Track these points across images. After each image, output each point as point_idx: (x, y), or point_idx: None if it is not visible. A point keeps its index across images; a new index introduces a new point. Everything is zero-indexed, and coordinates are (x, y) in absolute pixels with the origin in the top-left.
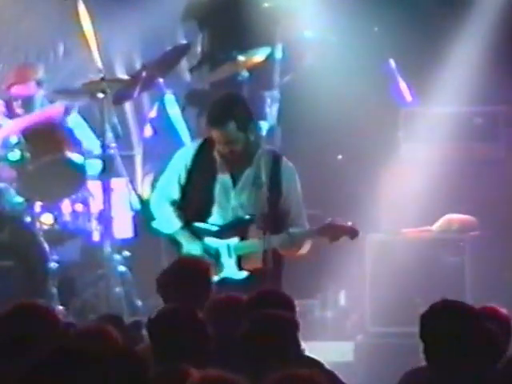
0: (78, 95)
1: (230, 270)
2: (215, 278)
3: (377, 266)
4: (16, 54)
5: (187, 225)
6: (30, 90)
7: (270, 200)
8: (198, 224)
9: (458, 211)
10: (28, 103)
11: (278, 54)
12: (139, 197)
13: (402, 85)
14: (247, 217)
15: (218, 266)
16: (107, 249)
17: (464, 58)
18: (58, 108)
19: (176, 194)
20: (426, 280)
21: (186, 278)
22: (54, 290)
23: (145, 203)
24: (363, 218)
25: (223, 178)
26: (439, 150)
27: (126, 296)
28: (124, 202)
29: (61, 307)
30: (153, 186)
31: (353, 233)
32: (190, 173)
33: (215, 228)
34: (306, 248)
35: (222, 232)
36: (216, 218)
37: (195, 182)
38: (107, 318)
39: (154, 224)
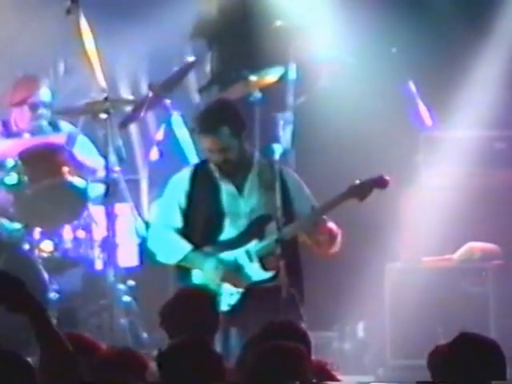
0: (80, 115)
1: (255, 274)
2: (240, 290)
3: (397, 295)
4: (14, 72)
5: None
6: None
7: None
8: (207, 248)
9: (481, 239)
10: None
11: (292, 75)
12: (145, 223)
13: (422, 108)
14: (261, 216)
15: (241, 276)
16: (111, 278)
17: (486, 80)
18: (59, 138)
19: (179, 222)
20: (448, 310)
21: (191, 308)
22: (54, 322)
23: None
24: (382, 246)
25: (227, 187)
26: (460, 176)
27: (131, 328)
28: (129, 229)
29: None
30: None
31: (382, 182)
32: (190, 195)
33: (229, 240)
34: (337, 240)
35: (239, 240)
36: (229, 230)
37: (198, 201)
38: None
39: (159, 258)
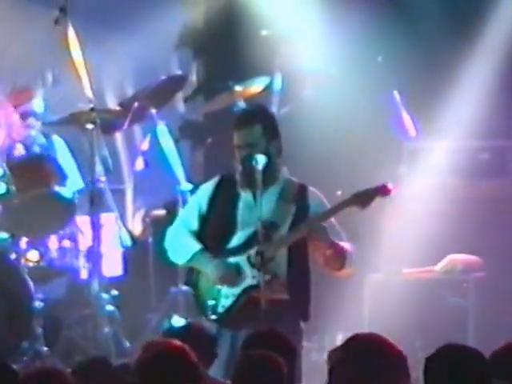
0: (66, 125)
1: (254, 278)
2: (236, 293)
3: (376, 307)
4: (2, 83)
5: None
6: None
7: (296, 219)
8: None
9: (463, 251)
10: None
11: (277, 85)
12: (130, 233)
13: (406, 118)
14: (267, 223)
15: (240, 279)
16: (95, 287)
17: (471, 90)
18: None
19: (195, 225)
20: (428, 322)
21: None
22: (39, 331)
23: (138, 240)
24: (362, 257)
25: (245, 195)
26: (443, 187)
27: (114, 336)
28: (114, 239)
29: (46, 348)
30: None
31: (384, 190)
32: (212, 201)
33: (236, 247)
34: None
35: (244, 246)
36: (239, 238)
37: (217, 208)
38: (94, 359)
39: (171, 257)
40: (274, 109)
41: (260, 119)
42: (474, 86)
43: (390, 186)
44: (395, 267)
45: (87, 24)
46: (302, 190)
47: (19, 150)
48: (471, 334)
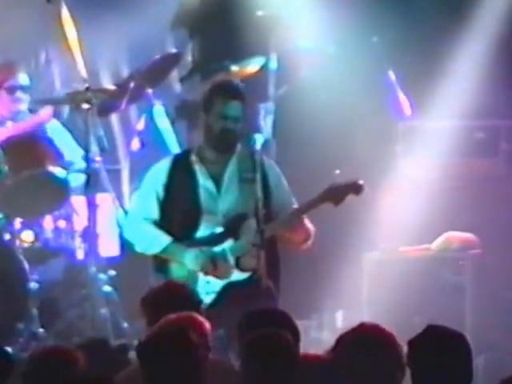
0: (61, 105)
1: (232, 275)
2: (217, 289)
3: (374, 285)
4: None
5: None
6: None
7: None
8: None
9: (458, 229)
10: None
11: (273, 65)
12: (125, 213)
13: (401, 98)
14: (237, 215)
15: (221, 267)
16: (92, 268)
17: (465, 70)
18: (45, 113)
19: (155, 214)
20: (425, 299)
21: (176, 299)
22: (35, 312)
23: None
24: (360, 235)
25: (206, 183)
26: (438, 166)
27: (112, 317)
28: (110, 219)
29: (42, 330)
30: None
31: (357, 188)
32: (168, 187)
33: (205, 238)
34: (310, 239)
35: (214, 239)
36: (205, 228)
37: (176, 196)
38: (92, 340)
39: (137, 248)
40: (270, 89)
41: (244, 96)
42: (469, 66)
43: (360, 182)
44: (392, 245)
45: (81, 3)
46: (261, 165)
47: (9, 128)
48: (468, 311)
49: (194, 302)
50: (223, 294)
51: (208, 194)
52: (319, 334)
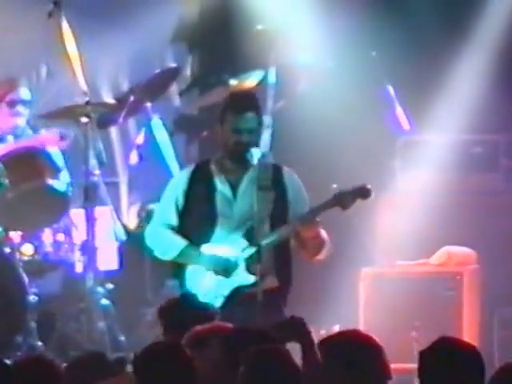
0: (61, 119)
1: (242, 278)
2: (225, 293)
3: (371, 299)
4: None
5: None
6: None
7: (277, 206)
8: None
9: (456, 244)
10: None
11: (272, 79)
12: (124, 227)
13: (400, 112)
14: (254, 220)
15: (233, 270)
16: (90, 281)
17: (464, 85)
18: (51, 137)
19: (174, 220)
20: (423, 314)
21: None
22: (34, 325)
23: (133, 234)
24: (357, 249)
25: (223, 187)
26: (437, 180)
27: (109, 331)
28: (108, 232)
29: (40, 343)
30: (146, 217)
31: (364, 192)
32: (188, 194)
33: (221, 240)
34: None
35: (229, 242)
36: (220, 232)
37: (194, 202)
38: (89, 354)
39: (156, 254)
40: (269, 103)
41: (258, 107)
42: (467, 80)
43: (368, 186)
44: (390, 260)
45: (81, 17)
46: (278, 173)
47: (10, 142)
48: (465, 327)
49: (208, 311)
50: (231, 297)
51: (224, 198)
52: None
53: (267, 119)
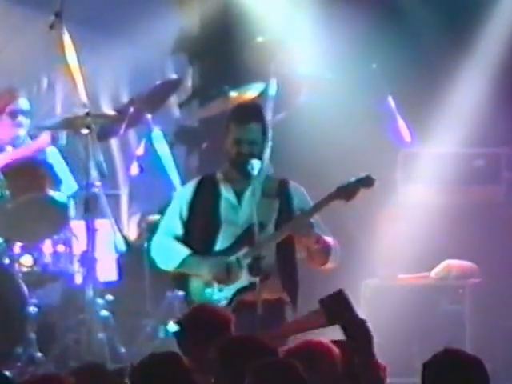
0: (60, 130)
1: (243, 280)
2: (228, 296)
3: (372, 312)
4: None
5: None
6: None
7: (281, 214)
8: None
9: (458, 257)
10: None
11: (272, 91)
12: (125, 238)
13: (401, 124)
14: (255, 224)
15: (234, 277)
16: (89, 292)
17: (466, 96)
18: (43, 139)
19: (179, 230)
20: (424, 328)
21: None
22: (33, 336)
23: (133, 245)
24: (358, 262)
25: (227, 195)
26: (438, 193)
27: (109, 342)
28: (108, 244)
29: (40, 354)
30: (147, 228)
31: (367, 181)
32: (192, 204)
33: (223, 249)
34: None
35: (231, 249)
36: (224, 239)
37: (199, 210)
38: (89, 365)
39: (159, 264)
40: (269, 115)
41: (262, 117)
42: (469, 93)
43: (373, 176)
44: (391, 273)
45: (82, 29)
46: (284, 185)
47: (9, 153)
48: (468, 340)
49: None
50: (235, 299)
51: (228, 204)
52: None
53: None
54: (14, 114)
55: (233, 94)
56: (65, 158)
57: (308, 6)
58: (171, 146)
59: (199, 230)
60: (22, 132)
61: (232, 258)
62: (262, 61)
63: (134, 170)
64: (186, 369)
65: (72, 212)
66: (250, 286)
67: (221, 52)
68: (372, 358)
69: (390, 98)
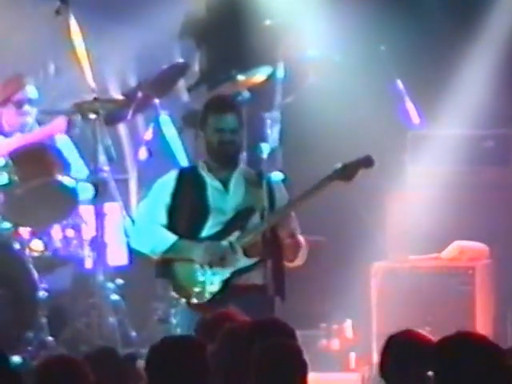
0: (69, 116)
1: (237, 264)
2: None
3: (383, 294)
4: (4, 73)
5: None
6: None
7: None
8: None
9: (468, 238)
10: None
11: (280, 74)
12: (132, 221)
13: (410, 106)
14: (245, 209)
15: (228, 259)
16: (100, 277)
17: (475, 78)
18: (58, 124)
19: (163, 219)
20: (435, 309)
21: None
22: (44, 320)
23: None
24: (368, 244)
25: (213, 183)
26: (447, 175)
27: (120, 326)
28: (118, 228)
29: (51, 338)
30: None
31: (367, 162)
32: (176, 195)
33: (212, 235)
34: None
35: (222, 234)
36: (213, 226)
37: (184, 198)
38: (100, 349)
39: (144, 250)
40: (277, 98)
41: (238, 109)
42: (478, 74)
43: (371, 156)
44: (401, 254)
45: (89, 14)
46: (262, 175)
47: (19, 138)
48: (478, 322)
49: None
50: (230, 281)
51: (216, 191)
52: (328, 343)
53: (276, 114)
54: (20, 104)
55: (240, 77)
56: (75, 144)
57: None
58: (179, 130)
59: (186, 218)
60: (29, 120)
61: (225, 242)
62: (270, 44)
63: (143, 154)
64: (202, 351)
65: (88, 194)
66: (246, 268)
67: (228, 36)
68: None
69: (398, 80)
